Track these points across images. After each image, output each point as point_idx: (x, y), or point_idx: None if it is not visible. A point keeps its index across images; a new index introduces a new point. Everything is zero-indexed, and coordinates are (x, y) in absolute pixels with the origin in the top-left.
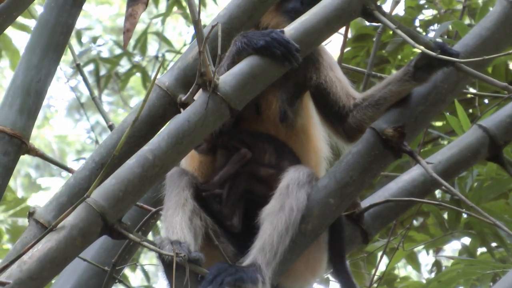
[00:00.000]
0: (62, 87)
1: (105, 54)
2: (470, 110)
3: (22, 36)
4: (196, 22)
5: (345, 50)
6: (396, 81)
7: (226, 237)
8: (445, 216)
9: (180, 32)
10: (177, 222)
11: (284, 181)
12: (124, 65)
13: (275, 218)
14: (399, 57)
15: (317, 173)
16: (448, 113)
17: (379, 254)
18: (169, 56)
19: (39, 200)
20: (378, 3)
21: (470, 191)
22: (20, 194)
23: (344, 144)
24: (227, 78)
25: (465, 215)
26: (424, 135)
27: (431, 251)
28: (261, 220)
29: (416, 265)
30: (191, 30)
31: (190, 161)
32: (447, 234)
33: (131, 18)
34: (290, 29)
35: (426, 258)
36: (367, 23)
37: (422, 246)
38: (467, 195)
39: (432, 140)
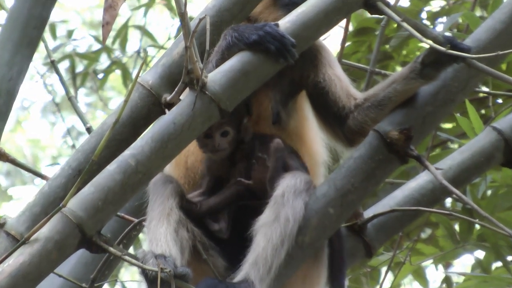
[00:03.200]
0: (35, 87)
1: (82, 49)
2: (483, 111)
3: None
4: (182, 15)
5: (345, 45)
6: (401, 79)
7: (216, 250)
8: (456, 227)
9: (166, 26)
10: (161, 233)
11: (280, 189)
12: (103, 62)
13: (270, 229)
14: (404, 52)
15: (314, 179)
16: (458, 114)
17: (384, 269)
18: (152, 51)
19: (10, 210)
20: None
21: (483, 200)
22: None
23: (344, 149)
24: (216, 76)
25: (478, 226)
26: (432, 138)
27: (440, 266)
28: (254, 232)
29: (424, 282)
30: (177, 23)
31: (175, 168)
32: (458, 247)
33: (110, 9)
34: (286, 22)
35: (434, 274)
36: (369, 16)
37: (430, 261)
38: (480, 204)
39: (441, 143)
